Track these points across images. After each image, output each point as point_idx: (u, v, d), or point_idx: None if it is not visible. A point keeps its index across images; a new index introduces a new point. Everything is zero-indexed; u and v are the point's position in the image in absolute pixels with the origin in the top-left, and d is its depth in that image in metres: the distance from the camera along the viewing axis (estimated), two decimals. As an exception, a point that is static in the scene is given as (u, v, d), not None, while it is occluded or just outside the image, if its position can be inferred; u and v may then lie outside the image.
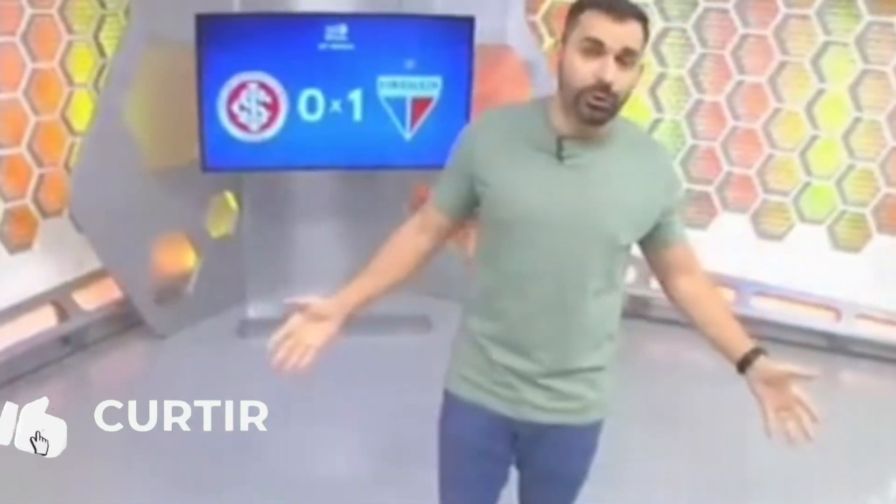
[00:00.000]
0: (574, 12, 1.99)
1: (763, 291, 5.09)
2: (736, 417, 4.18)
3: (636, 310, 5.31)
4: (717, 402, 4.41)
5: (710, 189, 5.18)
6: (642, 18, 1.98)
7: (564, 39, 2.01)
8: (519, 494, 2.39)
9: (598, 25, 1.93)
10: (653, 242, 2.20)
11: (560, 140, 2.04)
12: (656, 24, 5.05)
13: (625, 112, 2.04)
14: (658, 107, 5.19)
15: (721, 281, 5.12)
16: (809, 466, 3.58)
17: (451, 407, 2.31)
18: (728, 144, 5.11)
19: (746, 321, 4.89)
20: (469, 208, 2.20)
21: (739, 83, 5.01)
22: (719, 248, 5.13)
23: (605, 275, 2.11)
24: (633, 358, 5.06)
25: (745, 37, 4.95)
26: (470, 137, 2.17)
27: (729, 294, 5.12)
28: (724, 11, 4.95)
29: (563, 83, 2.00)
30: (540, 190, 2.05)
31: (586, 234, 2.05)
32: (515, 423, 2.21)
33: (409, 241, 2.26)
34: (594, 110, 1.96)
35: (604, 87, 1.93)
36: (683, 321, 2.29)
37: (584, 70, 1.94)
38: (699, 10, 4.99)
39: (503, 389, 2.19)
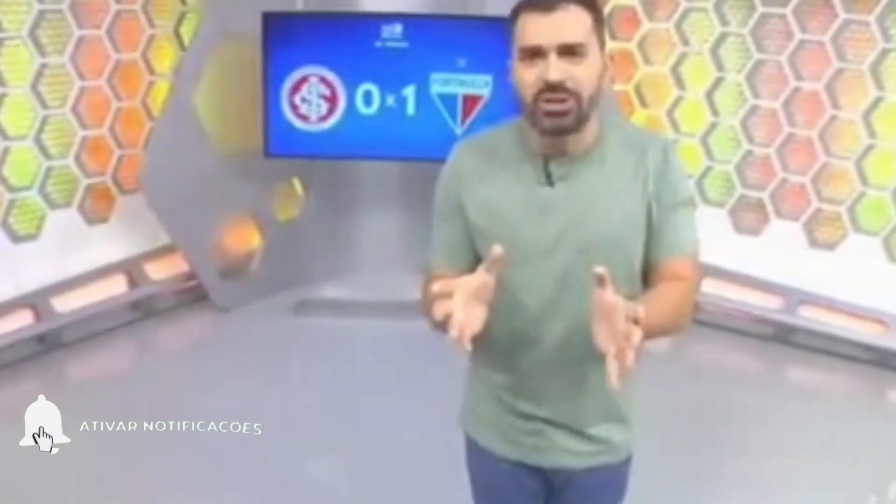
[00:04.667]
0: (511, 25, 1.83)
1: (810, 301, 5.02)
2: (743, 420, 4.33)
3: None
4: (732, 403, 4.52)
5: (764, 196, 5.15)
6: (582, 2, 1.79)
7: (511, 54, 1.84)
8: None
9: (529, 27, 1.78)
10: (647, 252, 1.92)
11: (545, 162, 1.87)
12: (715, 29, 5.09)
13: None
14: (714, 112, 5.21)
15: (769, 288, 5.13)
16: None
17: (477, 453, 2.17)
18: (783, 151, 5.08)
19: (793, 330, 4.97)
20: (472, 252, 1.96)
21: (796, 90, 4.97)
22: (770, 254, 5.13)
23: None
24: (675, 359, 5.14)
25: (802, 42, 4.91)
26: (448, 174, 1.99)
27: (776, 301, 5.10)
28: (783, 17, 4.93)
29: (519, 101, 1.83)
30: (534, 218, 1.87)
31: (595, 253, 1.80)
32: (545, 470, 2.09)
33: None
34: (552, 116, 1.78)
35: (552, 88, 1.76)
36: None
37: (530, 78, 1.78)
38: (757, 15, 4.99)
39: (531, 438, 2.05)
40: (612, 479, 2.14)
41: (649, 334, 1.71)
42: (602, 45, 1.84)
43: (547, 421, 2.02)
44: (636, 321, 1.60)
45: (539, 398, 2.00)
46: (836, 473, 3.89)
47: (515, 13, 1.82)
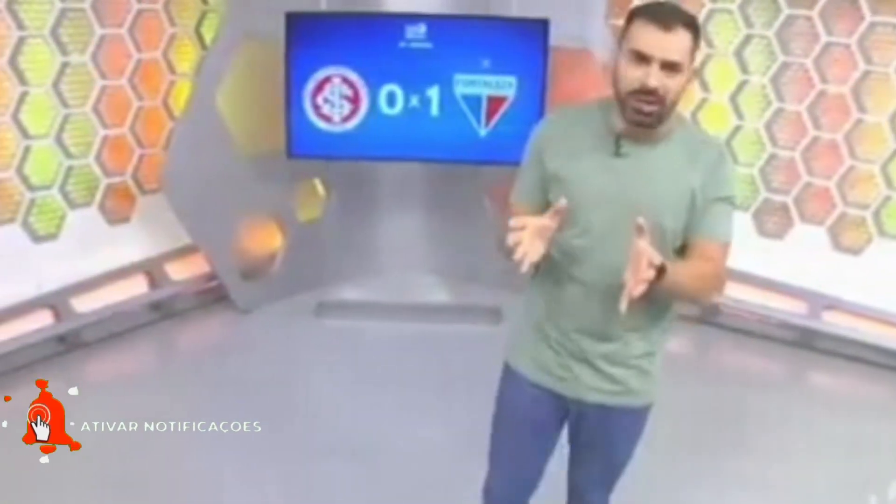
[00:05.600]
0: (628, 21, 2.18)
1: (834, 305, 4.99)
2: (757, 423, 4.37)
3: (705, 316, 5.31)
4: (749, 407, 4.53)
5: (788, 199, 5.11)
6: (691, 26, 2.14)
7: (619, 46, 2.21)
8: (568, 469, 2.64)
9: (644, 36, 2.12)
10: (686, 232, 2.29)
11: (618, 138, 2.25)
12: (740, 31, 5.06)
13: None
14: (739, 114, 5.17)
15: (793, 292, 5.10)
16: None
17: (511, 380, 2.54)
18: (808, 155, 5.05)
19: (817, 335, 4.94)
20: (545, 195, 2.37)
21: (822, 93, 4.93)
22: (794, 258, 5.10)
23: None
24: (697, 362, 5.13)
25: (828, 45, 4.88)
26: (539, 133, 2.41)
27: (800, 306, 5.07)
28: (808, 19, 4.90)
29: (614, 87, 2.21)
30: (598, 180, 2.26)
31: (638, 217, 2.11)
32: (567, 399, 2.45)
33: None
34: (639, 113, 2.16)
35: (648, 92, 2.13)
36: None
37: (631, 76, 2.15)
38: (782, 17, 4.96)
39: (561, 370, 2.42)
40: (627, 424, 2.48)
41: (671, 289, 2.14)
42: (693, 60, 2.19)
43: (576, 357, 2.39)
44: (657, 268, 2.03)
45: (577, 329, 2.36)
46: (839, 473, 3.91)
47: (633, 15, 2.17)
